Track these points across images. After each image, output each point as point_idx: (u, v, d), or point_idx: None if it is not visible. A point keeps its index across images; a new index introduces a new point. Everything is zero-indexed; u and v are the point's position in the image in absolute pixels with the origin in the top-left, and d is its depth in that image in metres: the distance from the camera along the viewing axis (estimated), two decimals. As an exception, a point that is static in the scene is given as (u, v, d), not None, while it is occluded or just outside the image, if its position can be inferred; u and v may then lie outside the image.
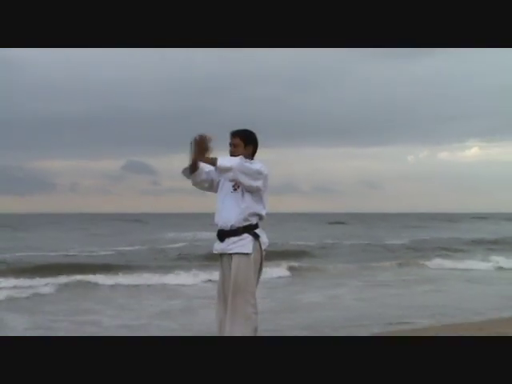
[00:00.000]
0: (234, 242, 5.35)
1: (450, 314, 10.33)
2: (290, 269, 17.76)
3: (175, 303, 11.94)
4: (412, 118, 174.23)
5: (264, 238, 5.45)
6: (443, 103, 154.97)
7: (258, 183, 5.29)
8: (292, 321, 9.78)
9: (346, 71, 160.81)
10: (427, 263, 19.91)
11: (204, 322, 8.94)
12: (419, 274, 17.43)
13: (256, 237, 5.37)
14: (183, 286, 14.58)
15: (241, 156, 5.31)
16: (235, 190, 5.37)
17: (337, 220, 66.50)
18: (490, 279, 16.06)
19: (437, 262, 20.11)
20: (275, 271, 16.91)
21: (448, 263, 19.97)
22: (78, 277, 15.09)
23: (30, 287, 13.71)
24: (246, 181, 5.25)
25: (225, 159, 5.24)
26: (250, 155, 5.47)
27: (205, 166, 5.43)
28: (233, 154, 5.43)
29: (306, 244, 28.17)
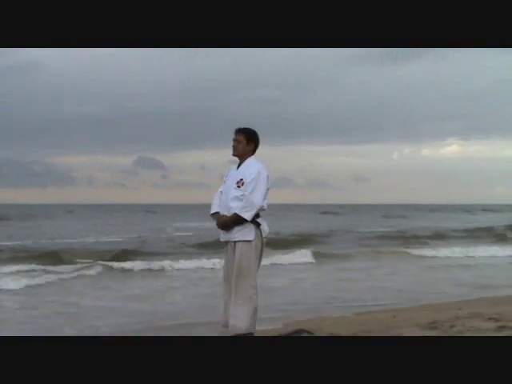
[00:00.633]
0: (239, 231, 5.46)
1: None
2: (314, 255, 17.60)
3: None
4: (397, 119, 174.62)
5: (265, 227, 5.56)
6: (425, 105, 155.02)
7: (263, 204, 5.48)
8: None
9: (337, 75, 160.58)
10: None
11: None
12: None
13: (258, 225, 5.50)
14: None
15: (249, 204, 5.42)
16: (239, 187, 5.50)
17: (328, 210, 66.35)
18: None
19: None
20: (298, 257, 16.93)
21: (429, 251, 19.43)
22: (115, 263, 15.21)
23: (76, 270, 14.11)
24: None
25: (241, 216, 5.40)
26: (252, 151, 5.62)
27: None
28: (236, 149, 5.61)
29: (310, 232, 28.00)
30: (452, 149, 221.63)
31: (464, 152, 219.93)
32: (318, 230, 29.93)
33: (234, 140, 5.63)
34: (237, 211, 5.41)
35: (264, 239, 5.57)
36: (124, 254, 17.57)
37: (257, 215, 5.48)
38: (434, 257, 18.37)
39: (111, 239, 24.81)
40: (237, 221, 5.42)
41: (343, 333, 6.05)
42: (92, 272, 13.93)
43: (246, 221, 5.41)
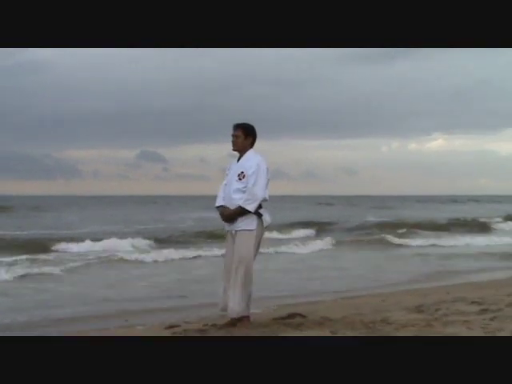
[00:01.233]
0: (242, 221, 5.55)
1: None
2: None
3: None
4: (385, 115, 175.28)
5: (267, 217, 5.63)
6: (411, 101, 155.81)
7: (265, 195, 5.58)
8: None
9: (328, 73, 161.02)
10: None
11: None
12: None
13: (259, 216, 5.56)
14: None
15: (251, 197, 5.49)
16: (240, 179, 5.58)
17: (322, 201, 66.30)
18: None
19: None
20: (319, 244, 17.28)
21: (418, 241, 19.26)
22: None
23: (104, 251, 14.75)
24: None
25: (245, 208, 5.48)
26: (250, 145, 5.66)
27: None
28: (235, 144, 5.66)
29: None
30: (437, 143, 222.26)
31: (449, 146, 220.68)
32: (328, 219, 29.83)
33: (233, 135, 5.67)
34: (241, 203, 5.50)
35: (265, 229, 5.68)
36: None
37: (259, 206, 5.55)
38: (409, 246, 18.26)
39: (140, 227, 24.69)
40: (241, 213, 5.51)
41: (335, 316, 6.02)
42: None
43: (249, 212, 5.46)
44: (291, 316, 6.17)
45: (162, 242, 18.19)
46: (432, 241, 19.21)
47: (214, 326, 5.88)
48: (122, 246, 16.46)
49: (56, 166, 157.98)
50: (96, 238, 17.82)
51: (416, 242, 19.20)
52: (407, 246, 18.23)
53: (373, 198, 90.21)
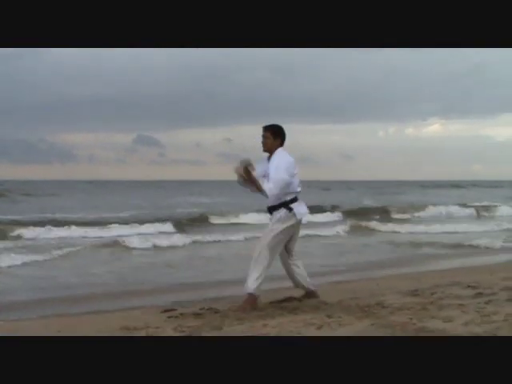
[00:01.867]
0: (274, 215, 5.96)
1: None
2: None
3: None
4: (382, 100, 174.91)
5: (301, 210, 5.98)
6: (408, 87, 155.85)
7: (288, 177, 5.82)
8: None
9: (325, 59, 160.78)
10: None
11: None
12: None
13: (290, 209, 5.88)
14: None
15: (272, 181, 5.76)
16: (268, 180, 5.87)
17: (318, 186, 66.20)
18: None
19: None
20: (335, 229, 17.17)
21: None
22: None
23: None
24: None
25: (267, 188, 5.75)
26: (279, 144, 5.98)
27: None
28: (265, 145, 5.99)
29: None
30: (434, 128, 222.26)
31: (446, 131, 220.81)
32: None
33: (263, 137, 5.99)
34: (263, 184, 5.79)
35: (299, 220, 5.96)
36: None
37: (290, 201, 5.89)
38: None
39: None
40: (259, 187, 5.78)
41: (331, 300, 6.06)
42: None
43: (265, 192, 5.74)
44: (288, 299, 6.21)
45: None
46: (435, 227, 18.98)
47: (210, 309, 5.92)
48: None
49: (52, 150, 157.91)
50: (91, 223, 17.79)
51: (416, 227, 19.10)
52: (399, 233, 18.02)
53: (369, 183, 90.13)
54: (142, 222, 18.81)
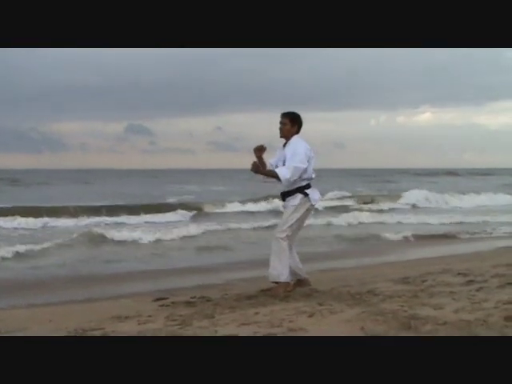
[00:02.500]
0: (289, 200, 6.00)
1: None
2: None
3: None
4: (373, 88, 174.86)
5: (314, 196, 6.04)
6: (399, 75, 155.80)
7: (304, 165, 5.88)
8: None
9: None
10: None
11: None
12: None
13: (305, 194, 5.95)
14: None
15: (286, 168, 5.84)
16: (283, 164, 5.94)
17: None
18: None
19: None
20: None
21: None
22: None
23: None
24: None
25: (281, 173, 5.82)
26: (295, 132, 6.01)
27: (267, 164, 6.08)
28: (282, 131, 6.02)
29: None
30: (425, 116, 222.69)
31: (437, 119, 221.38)
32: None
33: (280, 123, 6.00)
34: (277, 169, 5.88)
35: (311, 206, 6.03)
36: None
37: (305, 187, 5.96)
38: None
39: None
40: (273, 175, 5.90)
41: (323, 288, 6.08)
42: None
43: (279, 178, 5.80)
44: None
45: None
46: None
47: (201, 298, 5.92)
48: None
49: (43, 140, 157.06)
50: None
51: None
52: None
53: (362, 171, 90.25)
54: (132, 210, 18.80)
